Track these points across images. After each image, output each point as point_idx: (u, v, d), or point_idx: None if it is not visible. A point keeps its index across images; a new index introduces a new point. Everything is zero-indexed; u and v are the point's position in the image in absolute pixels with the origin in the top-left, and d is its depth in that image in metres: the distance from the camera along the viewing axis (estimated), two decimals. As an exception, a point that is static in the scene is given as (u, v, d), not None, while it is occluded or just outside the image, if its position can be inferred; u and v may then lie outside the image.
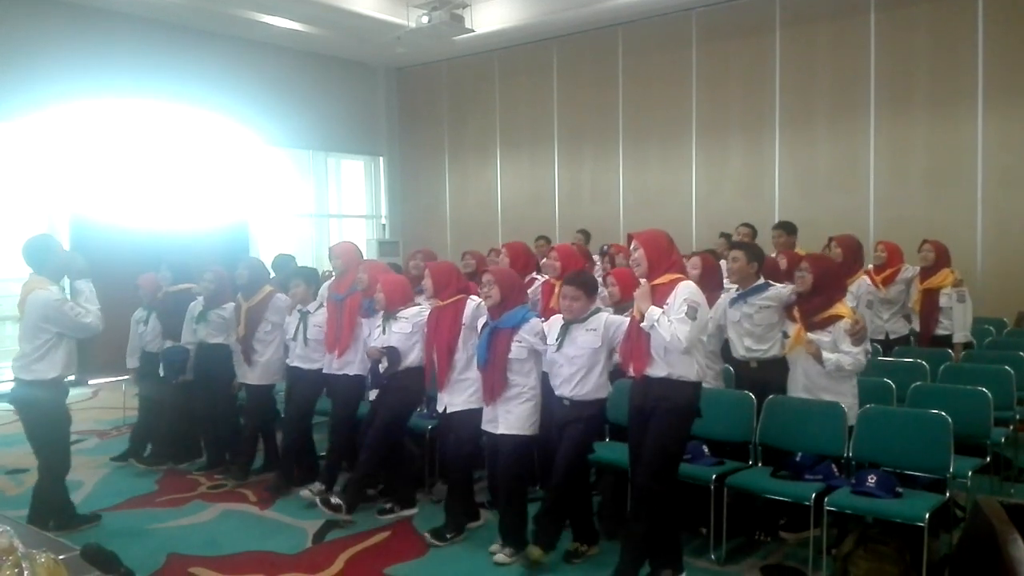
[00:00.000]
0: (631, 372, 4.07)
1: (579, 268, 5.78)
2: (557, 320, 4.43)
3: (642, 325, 3.92)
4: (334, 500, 5.11)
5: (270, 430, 6.40)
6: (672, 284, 3.94)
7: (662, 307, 3.89)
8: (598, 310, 4.42)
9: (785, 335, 4.81)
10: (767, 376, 4.89)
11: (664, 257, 4.01)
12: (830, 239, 6.63)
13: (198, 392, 6.29)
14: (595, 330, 4.29)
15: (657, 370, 3.95)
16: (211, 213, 11.63)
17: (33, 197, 10.17)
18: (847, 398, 4.59)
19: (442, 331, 4.78)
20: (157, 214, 10.87)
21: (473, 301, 4.83)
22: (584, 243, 9.12)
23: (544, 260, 6.05)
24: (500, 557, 4.47)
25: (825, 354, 4.45)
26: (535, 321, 4.49)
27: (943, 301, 6.55)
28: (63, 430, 4.88)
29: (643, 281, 4.05)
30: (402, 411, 5.25)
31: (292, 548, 4.78)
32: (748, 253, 4.99)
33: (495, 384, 4.45)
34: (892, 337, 6.71)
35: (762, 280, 5.00)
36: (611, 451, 4.75)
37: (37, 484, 4.90)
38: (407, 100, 14.36)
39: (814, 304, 4.61)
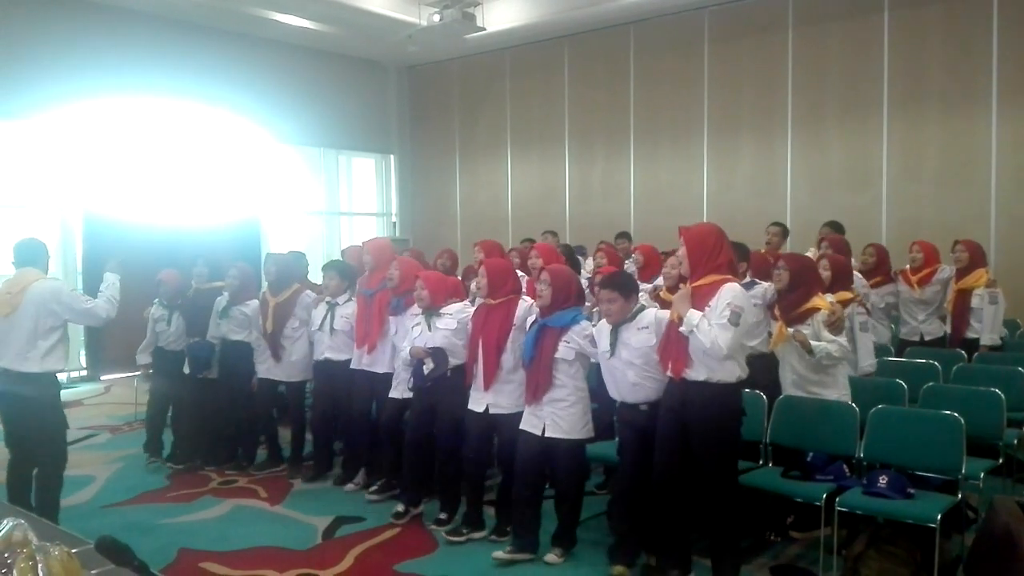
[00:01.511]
0: (669, 373, 3.96)
1: (560, 264, 5.79)
2: (604, 326, 4.30)
3: (681, 330, 3.80)
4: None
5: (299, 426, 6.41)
6: (715, 286, 3.80)
7: (703, 310, 3.77)
8: (643, 307, 4.32)
9: (769, 334, 4.86)
10: (753, 372, 4.87)
11: (709, 257, 3.87)
12: (820, 239, 6.58)
13: (218, 388, 6.32)
14: (647, 327, 4.15)
15: (696, 373, 3.84)
16: (223, 210, 11.68)
17: (46, 194, 10.23)
18: (838, 390, 4.62)
19: (491, 329, 4.66)
20: (169, 211, 10.92)
21: (525, 301, 4.73)
22: (555, 243, 8.97)
23: (528, 261, 6.20)
24: (551, 557, 4.42)
25: (813, 342, 4.47)
26: (586, 324, 4.42)
27: (974, 302, 6.37)
28: (63, 425, 4.75)
29: (646, 285, 3.99)
30: (462, 414, 4.97)
31: (302, 544, 4.80)
32: (736, 252, 4.96)
33: (539, 383, 4.35)
34: (927, 339, 6.61)
35: (748, 278, 5.03)
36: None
37: (41, 482, 4.68)
38: (418, 98, 14.37)
39: (791, 300, 4.66)
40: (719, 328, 3.68)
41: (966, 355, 6.18)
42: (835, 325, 4.54)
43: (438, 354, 4.91)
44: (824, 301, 4.64)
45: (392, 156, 14.39)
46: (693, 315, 3.74)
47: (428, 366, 4.92)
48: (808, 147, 10.25)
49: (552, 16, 11.42)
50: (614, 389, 4.30)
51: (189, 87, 11.15)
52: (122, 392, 9.21)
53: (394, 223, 14.42)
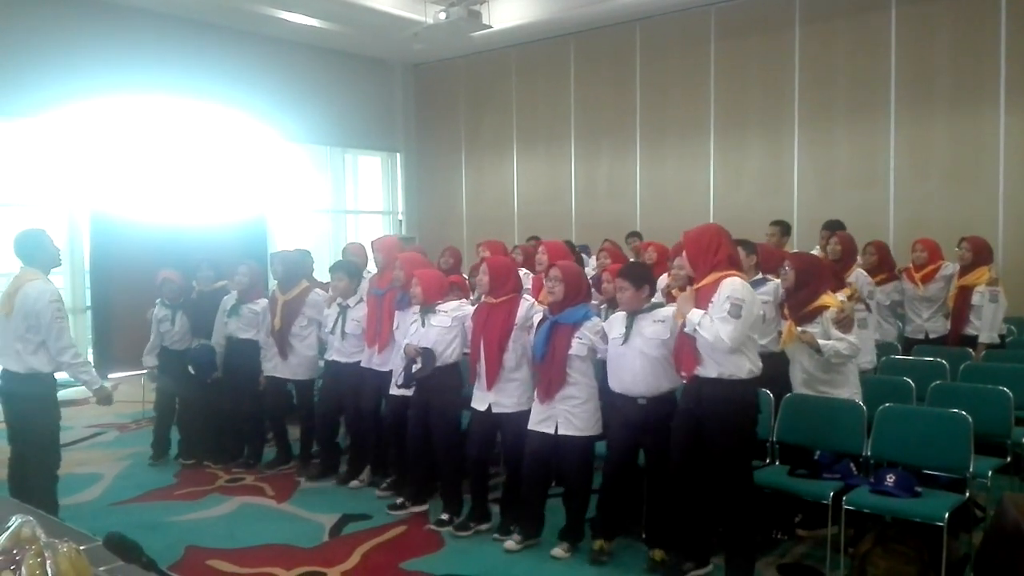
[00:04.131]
0: (682, 373, 4.04)
1: (567, 260, 5.80)
2: (618, 317, 4.37)
3: (685, 330, 3.89)
4: (443, 516, 4.99)
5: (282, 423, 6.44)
6: (716, 283, 3.87)
7: (706, 308, 3.83)
8: (663, 303, 4.38)
9: (780, 332, 4.83)
10: (764, 370, 4.86)
11: (707, 255, 3.95)
12: (830, 235, 6.54)
13: (225, 387, 6.33)
14: (663, 321, 4.20)
15: (708, 370, 3.91)
16: (229, 209, 11.69)
17: (53, 193, 10.25)
18: (849, 389, 4.60)
19: (492, 328, 4.65)
20: (176, 210, 10.94)
21: (527, 301, 4.74)
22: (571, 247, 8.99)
23: (535, 258, 6.16)
24: (558, 552, 4.43)
25: (821, 341, 4.45)
26: (597, 320, 4.47)
27: (975, 299, 6.34)
28: (56, 425, 4.73)
29: (660, 282, 4.01)
30: (457, 412, 5.06)
31: (309, 542, 4.81)
32: (746, 247, 4.97)
33: (553, 380, 4.36)
34: (932, 336, 6.58)
35: (760, 275, 5.02)
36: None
37: (30, 481, 4.61)
38: (424, 96, 14.37)
39: (799, 298, 4.64)
40: (720, 322, 3.76)
41: (973, 353, 6.15)
42: (844, 323, 4.52)
43: (427, 355, 4.92)
44: (833, 299, 4.62)
45: (398, 154, 14.40)
46: (694, 314, 3.84)
47: (416, 365, 4.94)
48: (815, 145, 10.22)
49: (558, 14, 11.40)
50: (617, 379, 4.32)
51: (195, 85, 11.16)
52: (129, 390, 9.21)
53: (400, 221, 14.42)
